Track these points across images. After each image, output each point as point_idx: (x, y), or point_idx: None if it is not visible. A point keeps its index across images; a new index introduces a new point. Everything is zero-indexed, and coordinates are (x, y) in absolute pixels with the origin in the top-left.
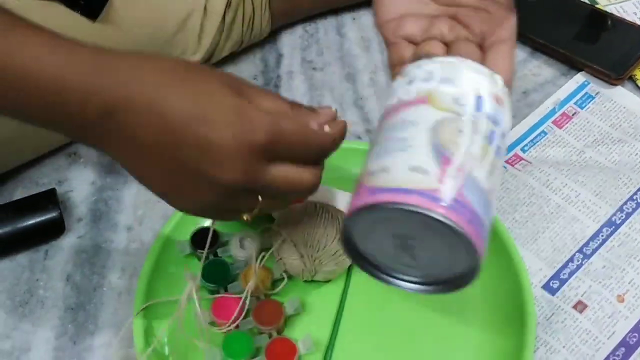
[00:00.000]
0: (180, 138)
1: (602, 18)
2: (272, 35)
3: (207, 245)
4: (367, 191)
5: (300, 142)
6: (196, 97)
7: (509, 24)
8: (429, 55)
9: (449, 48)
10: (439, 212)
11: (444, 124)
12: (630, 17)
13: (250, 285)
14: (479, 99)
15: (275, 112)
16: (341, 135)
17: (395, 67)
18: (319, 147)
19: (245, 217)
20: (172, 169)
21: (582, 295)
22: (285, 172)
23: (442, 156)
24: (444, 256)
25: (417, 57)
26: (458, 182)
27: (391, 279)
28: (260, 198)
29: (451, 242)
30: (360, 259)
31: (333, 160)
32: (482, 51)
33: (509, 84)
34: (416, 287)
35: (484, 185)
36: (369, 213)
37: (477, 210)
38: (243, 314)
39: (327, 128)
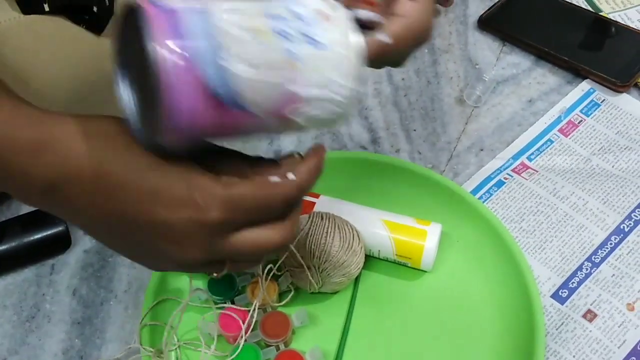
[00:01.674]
0: (130, 218)
1: (607, 25)
2: None
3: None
4: None
5: (260, 205)
6: (145, 169)
7: (415, 15)
8: None
9: None
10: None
11: None
12: (634, 24)
13: (258, 299)
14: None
15: (230, 177)
16: (310, 174)
17: None
18: (283, 200)
19: (215, 276)
20: (127, 243)
21: (591, 304)
22: (250, 237)
23: None
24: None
25: None
26: (182, 5)
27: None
28: (226, 265)
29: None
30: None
31: (337, 171)
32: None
33: (380, 39)
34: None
35: (218, 25)
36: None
37: (189, 34)
38: (251, 327)
39: (291, 176)
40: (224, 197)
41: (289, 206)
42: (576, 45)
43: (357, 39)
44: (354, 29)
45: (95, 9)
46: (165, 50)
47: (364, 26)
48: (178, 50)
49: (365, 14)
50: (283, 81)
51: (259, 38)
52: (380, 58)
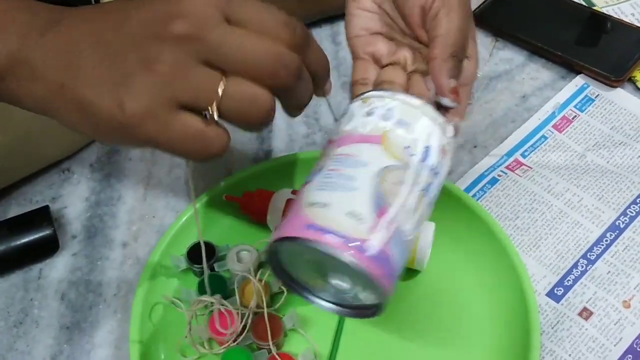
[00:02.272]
0: (127, 9)
1: (601, 20)
2: None
3: (204, 259)
4: (302, 221)
5: (256, 5)
6: None
7: (469, 73)
8: (392, 86)
9: (409, 78)
10: (362, 264)
11: (391, 172)
12: (627, 19)
13: (253, 303)
14: (427, 149)
15: None
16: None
17: (357, 84)
18: (285, 18)
19: (210, 111)
20: (108, 49)
21: (587, 302)
22: (248, 34)
23: (381, 207)
24: (357, 291)
25: (379, 83)
26: (387, 235)
27: (311, 297)
28: (223, 77)
29: (366, 285)
30: (284, 276)
31: None
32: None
33: (457, 128)
34: (331, 307)
35: (409, 237)
36: (298, 244)
37: (397, 263)
38: (245, 330)
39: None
40: None
41: (290, 30)
42: (570, 40)
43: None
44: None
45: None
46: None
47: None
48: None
49: (448, 104)
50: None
51: (424, 217)
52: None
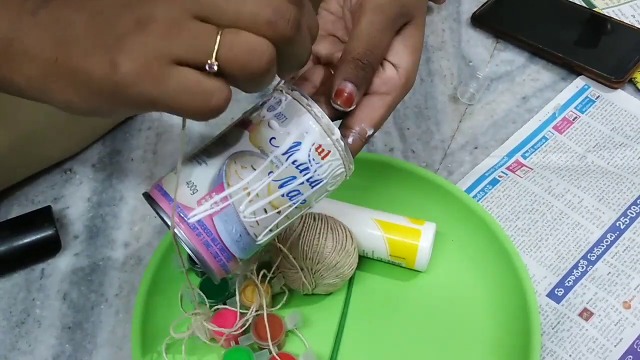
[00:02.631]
0: None
1: (601, 21)
2: None
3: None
4: (160, 181)
5: None
6: None
7: (393, 82)
8: (304, 83)
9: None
10: (182, 230)
11: (243, 156)
12: (628, 20)
13: (255, 303)
14: (295, 145)
15: None
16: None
17: None
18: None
19: (208, 62)
20: (100, 9)
21: (587, 303)
22: None
23: (217, 184)
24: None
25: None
26: (214, 210)
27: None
28: (218, 35)
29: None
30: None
31: None
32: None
33: (363, 134)
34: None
35: (247, 219)
36: (147, 202)
37: (222, 238)
38: (245, 327)
39: None
40: None
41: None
42: (570, 42)
43: (348, 157)
44: (344, 149)
45: None
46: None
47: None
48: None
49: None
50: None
51: (279, 210)
52: (367, 142)
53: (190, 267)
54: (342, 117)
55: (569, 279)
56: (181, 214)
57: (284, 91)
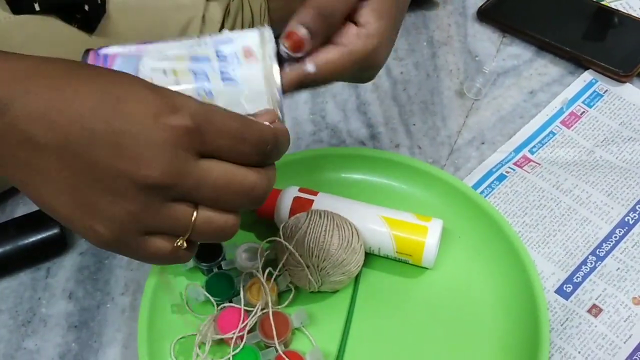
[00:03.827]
0: (86, 133)
1: (609, 15)
2: None
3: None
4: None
5: (233, 131)
6: (106, 85)
7: (359, 43)
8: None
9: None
10: (88, 57)
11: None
12: (636, 13)
13: (261, 302)
14: (227, 40)
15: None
16: (284, 135)
17: None
18: (259, 138)
19: (178, 244)
20: (78, 177)
21: (596, 299)
22: (222, 168)
23: (144, 42)
24: None
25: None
26: (122, 51)
27: None
28: (194, 212)
29: None
30: None
31: (336, 168)
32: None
33: (301, 68)
34: None
35: (142, 71)
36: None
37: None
38: (250, 328)
39: (267, 122)
40: (196, 107)
41: (262, 152)
42: (578, 35)
43: (273, 73)
44: (272, 62)
45: (86, 7)
46: None
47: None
48: None
49: (284, 51)
50: None
51: (177, 78)
52: (305, 85)
53: (196, 265)
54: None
55: (577, 275)
56: (97, 50)
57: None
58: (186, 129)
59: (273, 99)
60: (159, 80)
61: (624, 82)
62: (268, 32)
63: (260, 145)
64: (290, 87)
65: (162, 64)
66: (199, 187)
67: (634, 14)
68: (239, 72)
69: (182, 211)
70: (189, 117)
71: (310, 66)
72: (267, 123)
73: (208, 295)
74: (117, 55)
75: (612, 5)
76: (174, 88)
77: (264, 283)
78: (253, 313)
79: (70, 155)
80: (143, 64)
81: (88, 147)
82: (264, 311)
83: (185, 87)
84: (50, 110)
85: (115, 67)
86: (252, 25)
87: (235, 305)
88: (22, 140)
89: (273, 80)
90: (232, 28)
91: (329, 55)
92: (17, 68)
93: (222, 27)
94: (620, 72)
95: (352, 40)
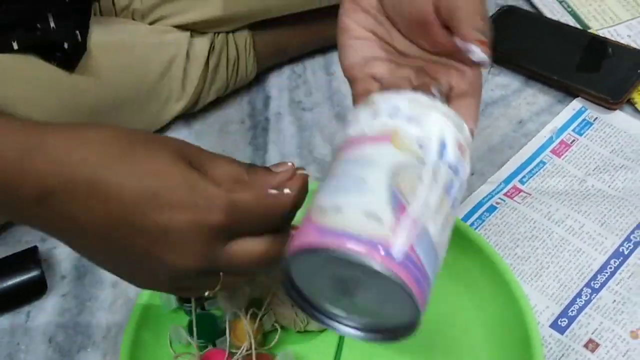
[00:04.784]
0: (127, 222)
1: (597, 43)
2: (259, 77)
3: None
4: (316, 230)
5: (259, 213)
6: (144, 174)
7: (476, 81)
8: (397, 89)
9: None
10: (388, 268)
11: (405, 168)
12: (624, 40)
13: (247, 342)
14: (443, 145)
15: (229, 182)
16: (303, 191)
17: (359, 96)
18: (281, 212)
19: (207, 294)
20: (120, 254)
21: (592, 333)
22: (247, 247)
23: (399, 204)
24: (385, 306)
25: (384, 88)
26: (411, 236)
27: (330, 322)
28: (221, 275)
29: (395, 296)
30: (300, 299)
31: None
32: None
33: (472, 132)
34: (354, 332)
35: (436, 239)
36: (315, 254)
37: (425, 267)
38: None
39: (287, 190)
40: (226, 201)
41: (284, 221)
42: (567, 64)
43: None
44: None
45: (66, 45)
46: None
47: None
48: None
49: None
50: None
51: (447, 218)
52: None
53: (179, 306)
54: None
55: (572, 308)
56: (379, 251)
57: (392, 96)
58: (219, 226)
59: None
60: (446, 236)
61: (614, 109)
62: (442, 107)
63: (282, 218)
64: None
65: (440, 219)
66: (228, 267)
67: (622, 41)
68: (466, 169)
69: (211, 280)
70: (221, 214)
71: (475, 129)
72: (287, 190)
73: (190, 338)
74: (412, 244)
75: (600, 33)
76: (447, 233)
77: (247, 324)
78: (237, 355)
79: (110, 239)
80: (433, 233)
81: (128, 236)
82: (248, 352)
83: (451, 224)
84: (92, 201)
85: (421, 257)
86: (237, 61)
87: (219, 348)
88: (66, 219)
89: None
90: (217, 64)
91: (475, 110)
92: (55, 146)
93: (207, 64)
94: (609, 99)
95: (478, 87)
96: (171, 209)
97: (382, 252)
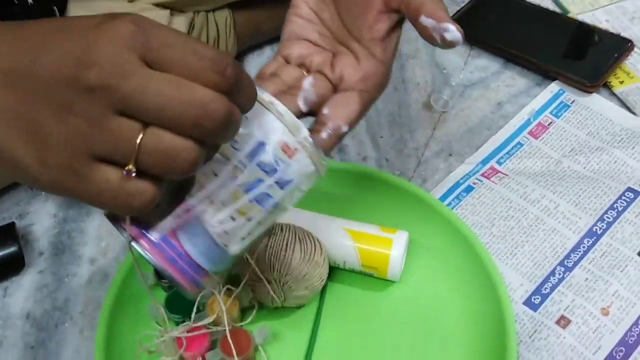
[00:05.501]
0: (30, 53)
1: (575, 27)
2: (240, 57)
3: None
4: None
5: (184, 42)
6: (54, 22)
7: (373, 77)
8: (268, 83)
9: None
10: (144, 246)
11: (207, 163)
12: (602, 25)
13: (223, 319)
14: (259, 146)
15: None
16: (248, 77)
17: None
18: (214, 56)
19: (128, 168)
20: (23, 98)
21: (564, 310)
22: (169, 76)
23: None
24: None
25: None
26: (176, 223)
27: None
28: (142, 130)
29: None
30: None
31: None
32: (334, 91)
33: (338, 131)
34: None
35: (214, 230)
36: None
37: (189, 251)
38: (210, 346)
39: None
40: (140, 16)
41: (220, 72)
42: (545, 47)
43: (319, 155)
44: (313, 146)
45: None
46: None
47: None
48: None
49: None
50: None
51: (246, 216)
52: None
53: (157, 282)
54: (314, 114)
55: (545, 286)
56: (143, 231)
57: None
58: (129, 31)
59: (323, 169)
60: (231, 227)
61: (591, 92)
62: (281, 108)
63: (217, 66)
64: (332, 149)
65: (225, 212)
66: (143, 92)
67: (600, 25)
68: (290, 170)
69: (127, 126)
70: (130, 22)
71: (344, 127)
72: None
73: (168, 313)
74: (174, 229)
75: (579, 17)
76: (248, 226)
77: (221, 300)
78: (213, 330)
79: (15, 78)
80: (208, 223)
81: (32, 64)
82: (223, 328)
83: (258, 217)
84: None
85: (184, 242)
86: (217, 41)
87: (196, 324)
88: None
89: (317, 157)
90: None
91: (355, 107)
92: None
93: None
94: (586, 82)
95: (374, 84)
96: (78, 25)
97: (146, 237)
